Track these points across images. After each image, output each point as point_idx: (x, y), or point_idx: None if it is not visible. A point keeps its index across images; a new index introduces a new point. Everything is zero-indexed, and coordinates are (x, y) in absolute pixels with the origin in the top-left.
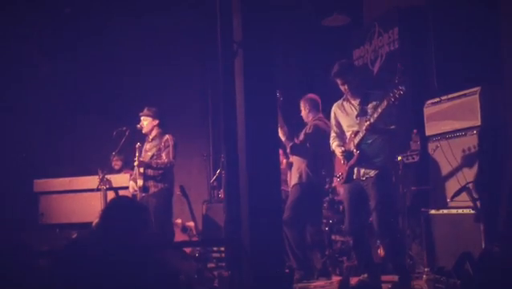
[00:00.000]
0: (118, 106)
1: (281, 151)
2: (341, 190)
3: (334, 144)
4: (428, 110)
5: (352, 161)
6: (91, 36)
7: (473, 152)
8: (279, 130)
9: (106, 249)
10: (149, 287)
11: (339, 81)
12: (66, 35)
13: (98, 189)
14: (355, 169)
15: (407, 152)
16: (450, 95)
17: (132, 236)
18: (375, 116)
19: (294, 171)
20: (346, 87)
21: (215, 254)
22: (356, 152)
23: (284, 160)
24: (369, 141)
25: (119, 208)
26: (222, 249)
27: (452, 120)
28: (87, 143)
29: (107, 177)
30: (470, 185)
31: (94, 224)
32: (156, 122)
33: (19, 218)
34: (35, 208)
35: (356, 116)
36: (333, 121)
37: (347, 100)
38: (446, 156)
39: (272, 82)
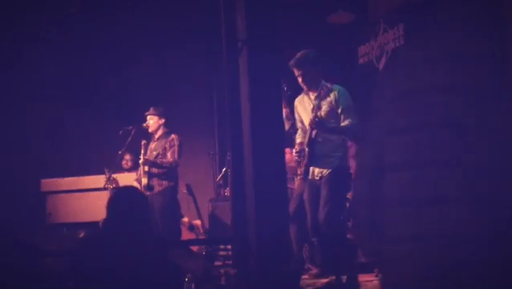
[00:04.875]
0: (124, 105)
1: (288, 150)
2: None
3: (297, 140)
4: None
5: (305, 160)
6: (96, 35)
7: None
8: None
9: (121, 242)
10: (154, 284)
11: (295, 72)
12: (71, 35)
13: (105, 188)
14: (310, 169)
15: None
16: None
17: (141, 222)
18: (319, 112)
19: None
20: (301, 79)
21: (222, 252)
22: (306, 151)
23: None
24: (320, 139)
25: (122, 197)
26: (229, 247)
27: None
28: (94, 142)
29: (114, 176)
30: None
31: (101, 220)
32: (163, 121)
33: (27, 218)
34: (42, 207)
35: (312, 111)
36: (296, 116)
37: (307, 94)
38: None
39: (277, 80)
